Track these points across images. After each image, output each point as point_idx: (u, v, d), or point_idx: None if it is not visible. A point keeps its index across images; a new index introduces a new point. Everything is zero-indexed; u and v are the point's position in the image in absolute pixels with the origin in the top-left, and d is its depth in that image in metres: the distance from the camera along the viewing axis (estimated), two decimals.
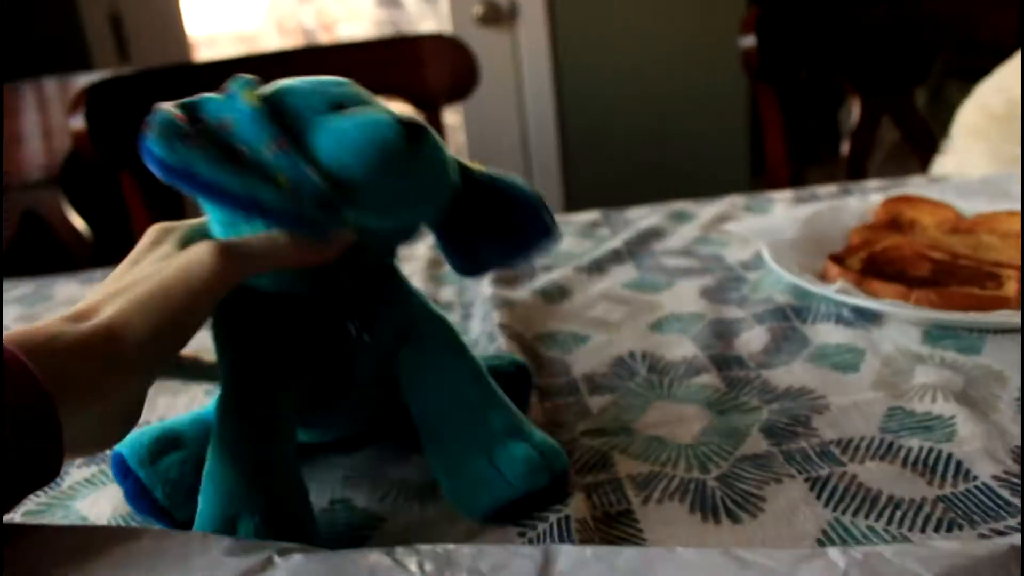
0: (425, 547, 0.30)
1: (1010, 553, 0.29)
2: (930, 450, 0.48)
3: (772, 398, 0.55)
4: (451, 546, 0.30)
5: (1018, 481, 0.45)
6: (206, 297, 0.37)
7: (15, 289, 0.94)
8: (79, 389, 0.33)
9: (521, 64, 2.40)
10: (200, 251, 0.38)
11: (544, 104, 2.41)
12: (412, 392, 0.47)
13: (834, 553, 0.28)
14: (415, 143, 0.39)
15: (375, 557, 0.29)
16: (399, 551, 0.30)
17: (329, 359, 0.45)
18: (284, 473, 0.42)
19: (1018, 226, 0.78)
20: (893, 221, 0.83)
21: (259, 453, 0.41)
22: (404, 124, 0.39)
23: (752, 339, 0.63)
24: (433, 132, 0.41)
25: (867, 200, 0.86)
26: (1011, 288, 0.65)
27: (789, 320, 0.66)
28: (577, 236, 0.89)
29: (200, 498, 0.41)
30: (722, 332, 0.65)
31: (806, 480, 0.46)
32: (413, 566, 0.29)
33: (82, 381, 0.34)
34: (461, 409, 0.46)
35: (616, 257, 0.82)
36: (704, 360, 0.60)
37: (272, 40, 3.99)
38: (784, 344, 0.62)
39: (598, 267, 0.79)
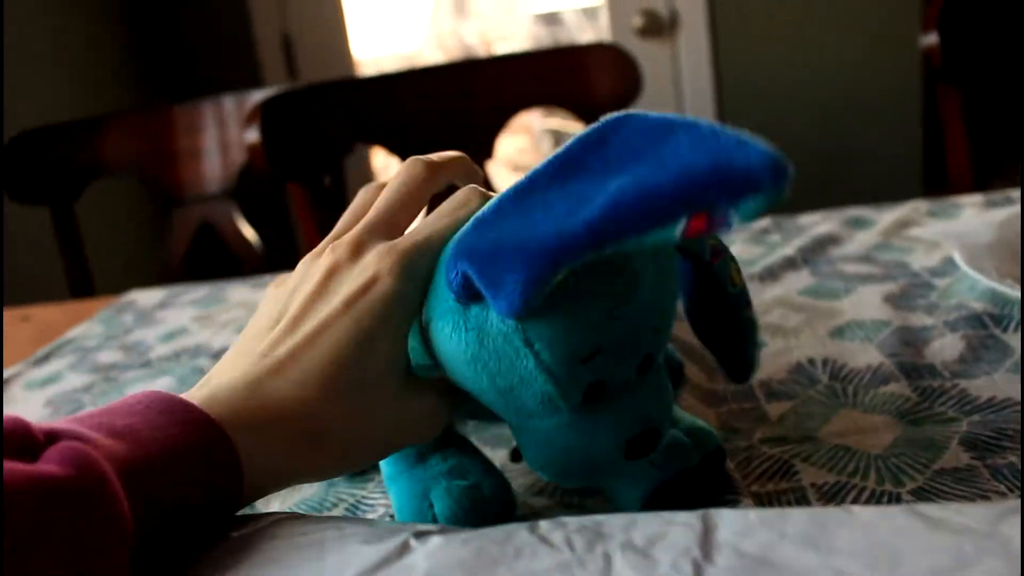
0: (572, 520, 0.28)
1: None
2: None
3: (972, 409, 0.51)
4: (600, 517, 0.28)
5: None
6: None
7: (191, 292, 0.99)
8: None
9: (681, 75, 2.36)
10: None
11: (706, 115, 2.36)
12: None
13: None
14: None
15: (520, 534, 0.28)
16: (543, 526, 0.28)
17: None
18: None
19: None
20: None
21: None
22: (641, 449, 0.37)
23: (945, 347, 0.59)
24: (667, 420, 0.39)
25: None
26: None
27: (987, 328, 0.61)
28: (748, 243, 0.86)
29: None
30: (910, 340, 0.60)
31: (1017, 496, 0.42)
32: (560, 542, 0.27)
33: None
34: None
35: (790, 264, 0.78)
36: (891, 368, 0.56)
37: (433, 59, 4.10)
38: (983, 353, 0.57)
39: (771, 274, 0.76)
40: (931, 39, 1.30)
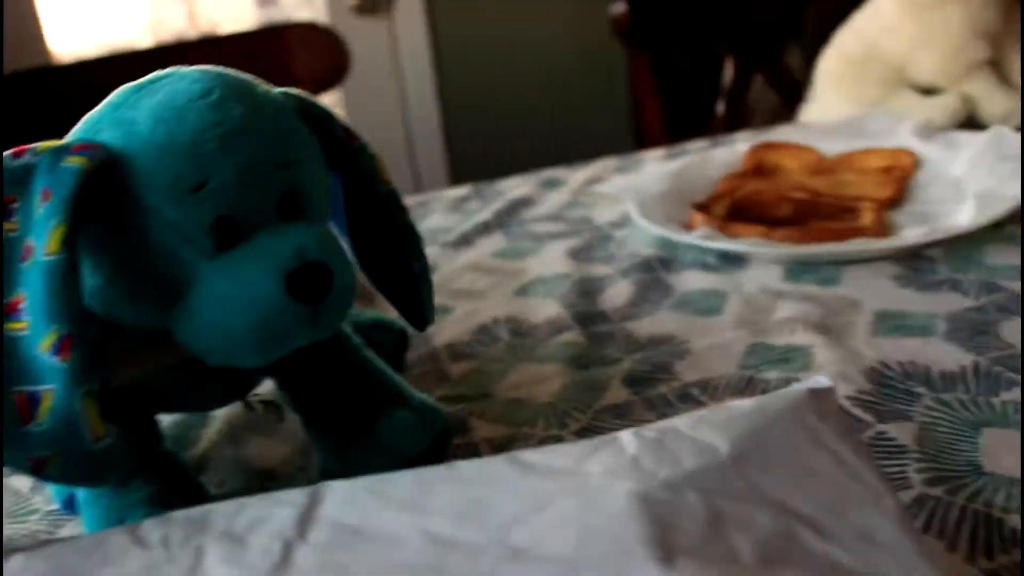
0: (181, 513, 0.27)
1: (805, 397, 0.28)
2: (787, 380, 0.48)
3: (635, 348, 0.54)
4: (213, 505, 0.27)
5: (870, 397, 0.45)
6: None
7: None
8: None
9: (400, 50, 2.37)
10: None
11: (425, 87, 2.38)
12: (290, 381, 0.44)
13: (625, 437, 0.26)
14: (316, 311, 0.33)
15: (114, 538, 0.26)
16: (146, 525, 0.27)
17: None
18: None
19: (874, 162, 0.79)
20: (759, 167, 0.83)
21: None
22: (306, 287, 0.32)
23: (617, 294, 0.62)
24: (341, 264, 0.34)
25: (734, 150, 0.86)
26: (867, 219, 0.66)
27: (654, 271, 0.65)
28: (446, 212, 0.87)
29: None
30: (587, 290, 0.63)
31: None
32: (156, 540, 0.26)
33: None
34: (342, 391, 0.43)
35: (484, 229, 0.80)
36: (567, 318, 0.59)
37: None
38: (649, 295, 0.61)
39: (465, 240, 0.78)
40: (619, 7, 1.37)
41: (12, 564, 0.26)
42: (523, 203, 0.86)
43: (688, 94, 2.29)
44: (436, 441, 0.43)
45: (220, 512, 0.27)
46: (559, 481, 0.25)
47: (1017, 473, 0.38)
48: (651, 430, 0.27)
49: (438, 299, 0.64)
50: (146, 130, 0.32)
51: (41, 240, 0.29)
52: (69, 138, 0.34)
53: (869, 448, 0.28)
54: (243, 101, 0.34)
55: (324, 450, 0.43)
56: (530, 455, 0.26)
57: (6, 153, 0.31)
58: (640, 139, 2.49)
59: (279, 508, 0.26)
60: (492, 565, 0.21)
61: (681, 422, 0.27)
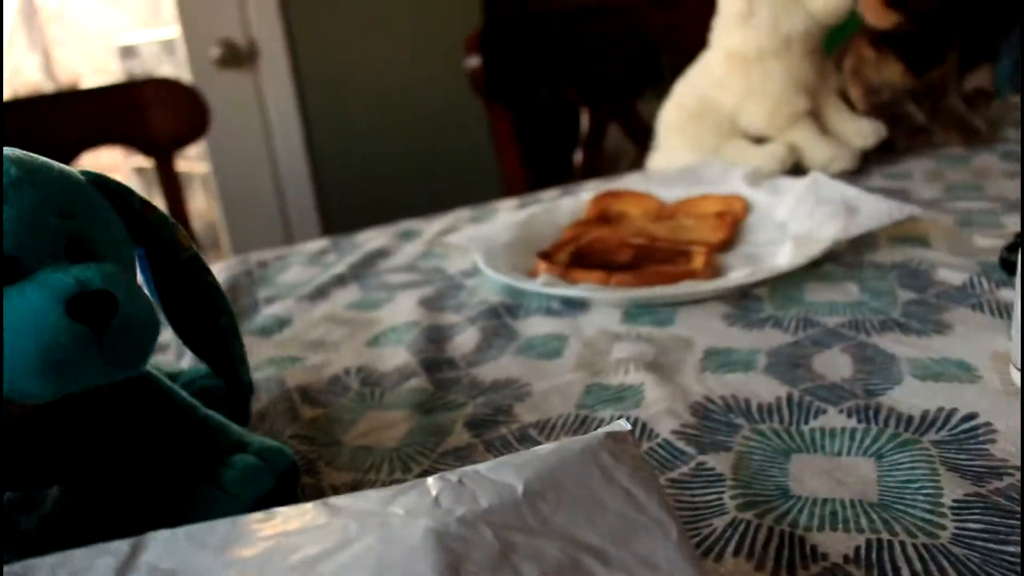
0: (8, 568, 0.28)
1: (602, 439, 0.31)
2: (620, 417, 0.51)
3: (478, 392, 0.56)
4: (36, 560, 0.28)
5: (693, 431, 0.48)
6: None
7: None
8: None
9: (266, 102, 2.36)
10: None
11: (293, 140, 2.38)
12: (122, 448, 0.44)
13: (431, 481, 0.28)
14: (98, 334, 0.34)
15: None
16: None
17: None
18: None
19: (709, 207, 0.84)
20: (603, 215, 0.87)
21: None
22: (87, 310, 0.34)
23: (465, 341, 0.65)
24: (128, 296, 0.36)
25: (579, 199, 0.90)
26: (698, 262, 0.70)
27: (501, 318, 0.68)
28: (303, 266, 0.88)
29: None
30: (435, 337, 0.65)
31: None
32: None
33: None
34: (178, 448, 0.44)
35: (340, 281, 0.81)
36: (415, 365, 0.61)
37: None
38: (495, 340, 0.64)
39: (320, 293, 0.79)
40: (474, 61, 1.42)
41: None
42: (379, 255, 0.88)
43: (549, 144, 2.36)
44: (281, 479, 0.44)
45: (44, 565, 0.27)
46: (362, 521, 0.26)
47: (820, 494, 0.42)
48: (455, 474, 0.29)
49: (291, 351, 0.66)
50: None
51: None
52: None
53: (659, 483, 0.30)
54: (21, 164, 0.38)
55: (172, 514, 0.43)
56: (341, 499, 0.28)
57: None
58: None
59: (101, 558, 0.27)
60: None
61: (484, 466, 0.29)
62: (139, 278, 0.44)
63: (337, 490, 0.47)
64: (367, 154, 2.42)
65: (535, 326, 0.66)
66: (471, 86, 1.43)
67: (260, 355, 0.66)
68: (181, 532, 0.27)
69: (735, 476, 0.44)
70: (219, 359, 0.46)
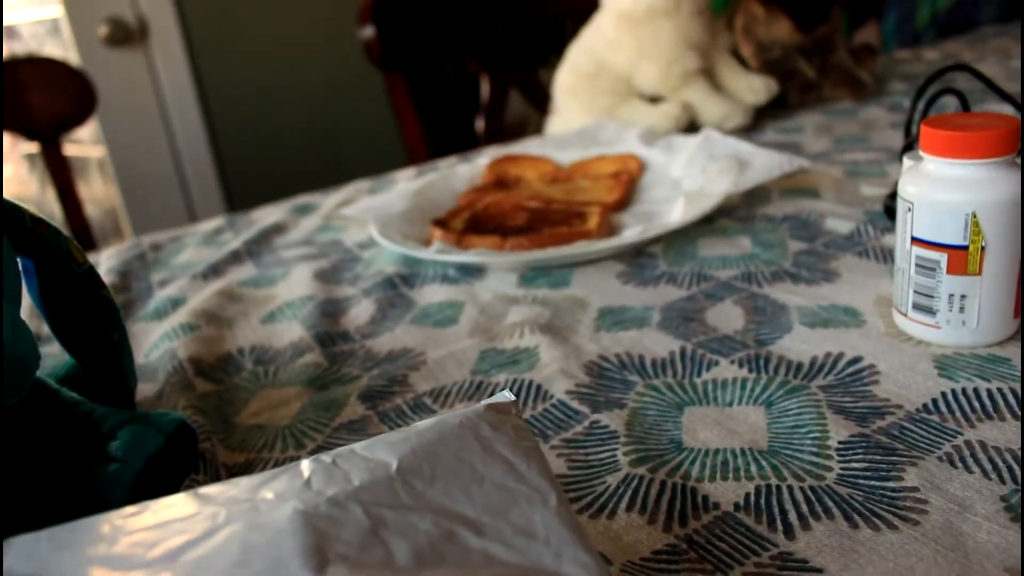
0: None
1: (482, 411, 0.31)
2: (514, 381, 0.51)
3: (373, 364, 0.55)
4: None
5: (588, 390, 0.48)
6: None
7: None
8: None
9: (160, 81, 2.28)
10: None
11: (191, 118, 2.31)
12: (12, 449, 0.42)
13: (305, 463, 0.28)
14: None
15: None
16: None
17: None
18: None
19: (605, 168, 0.84)
20: (500, 180, 0.86)
21: None
22: None
23: (360, 312, 0.63)
24: (12, 335, 0.36)
25: (476, 165, 0.89)
26: (592, 222, 0.70)
27: (396, 288, 0.67)
28: (198, 246, 0.85)
29: None
30: (330, 311, 0.64)
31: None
32: None
33: None
34: (67, 446, 0.42)
35: (235, 259, 0.79)
36: (309, 340, 0.60)
37: None
38: (390, 311, 0.63)
39: (215, 271, 0.76)
40: (368, 31, 1.39)
41: None
42: (275, 230, 0.86)
43: (450, 112, 2.34)
44: (172, 439, 0.42)
45: None
46: (230, 508, 0.25)
47: (712, 445, 0.42)
48: (329, 455, 0.28)
49: (184, 319, 0.63)
50: None
51: None
52: None
53: (540, 451, 0.30)
54: None
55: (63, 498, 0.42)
56: (211, 488, 0.27)
57: None
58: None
59: None
60: None
61: (359, 445, 0.29)
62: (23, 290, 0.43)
63: (231, 470, 0.46)
64: (268, 128, 2.37)
65: (431, 294, 0.65)
66: (366, 57, 1.41)
67: (154, 336, 0.64)
68: (44, 534, 0.26)
69: (628, 432, 0.44)
70: (107, 370, 0.46)
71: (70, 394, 0.44)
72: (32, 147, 2.31)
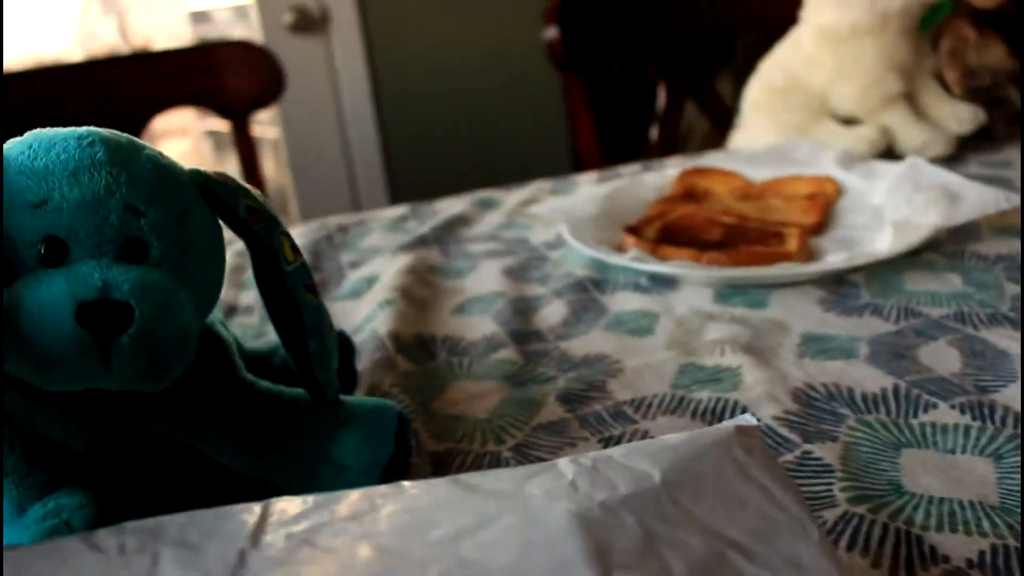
0: (133, 523, 0.28)
1: (732, 433, 0.30)
2: (718, 400, 0.49)
3: (569, 367, 0.55)
4: (165, 517, 0.27)
5: (796, 418, 0.47)
6: None
7: None
8: None
9: (336, 69, 2.36)
10: None
11: (363, 107, 2.38)
12: (217, 451, 0.42)
13: (564, 463, 0.27)
14: (104, 345, 0.32)
15: (70, 545, 0.27)
16: (100, 533, 0.27)
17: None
18: None
19: (800, 189, 0.82)
20: (689, 192, 0.85)
21: None
22: (97, 319, 0.32)
23: (551, 313, 0.63)
24: (156, 313, 0.34)
25: (664, 174, 0.88)
26: (792, 244, 0.68)
27: (588, 292, 0.66)
28: (385, 231, 0.87)
29: None
30: (522, 309, 0.64)
31: (599, 441, 0.47)
32: (111, 546, 0.26)
33: None
34: (278, 443, 0.42)
35: (422, 243, 0.81)
36: (503, 336, 0.60)
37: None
38: (583, 315, 0.63)
39: (404, 253, 0.78)
40: (552, 32, 1.39)
41: None
42: (459, 222, 0.87)
43: (623, 118, 2.33)
44: (397, 438, 0.42)
45: (173, 523, 0.27)
46: (500, 501, 0.25)
47: (936, 492, 0.40)
48: (587, 458, 0.28)
49: (382, 296, 0.65)
50: (16, 152, 0.36)
51: None
52: None
53: (794, 482, 0.29)
54: (115, 150, 0.36)
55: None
56: (471, 478, 0.27)
57: None
58: (577, 161, 2.53)
59: (230, 520, 0.26)
60: (441, 573, 0.22)
61: (615, 451, 0.28)
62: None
63: (432, 458, 0.46)
64: (436, 123, 2.41)
65: (623, 301, 0.64)
66: (548, 57, 1.41)
67: (356, 316, 0.65)
68: (310, 499, 0.26)
69: (844, 468, 0.42)
70: (307, 374, 0.42)
71: (264, 384, 0.44)
72: (218, 124, 2.42)
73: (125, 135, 0.38)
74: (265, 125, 2.48)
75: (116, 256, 0.35)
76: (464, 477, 0.27)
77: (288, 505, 0.27)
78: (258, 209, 0.41)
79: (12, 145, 0.37)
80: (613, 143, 1.52)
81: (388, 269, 0.73)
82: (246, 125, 1.39)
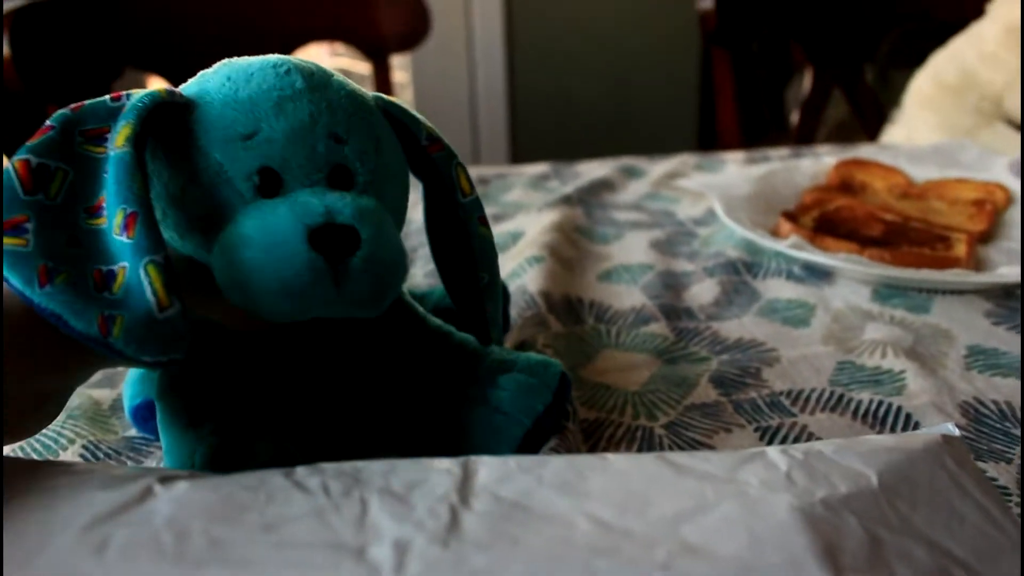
0: (330, 465, 0.27)
1: (940, 441, 0.28)
2: (880, 403, 0.48)
3: (722, 349, 0.54)
4: (360, 463, 0.27)
5: (966, 434, 0.45)
6: None
7: None
8: None
9: (473, 17, 2.35)
10: None
11: (495, 60, 2.37)
12: (382, 378, 0.43)
13: (774, 453, 0.26)
14: (335, 269, 0.33)
15: (274, 479, 0.26)
16: (300, 471, 0.27)
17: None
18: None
19: (966, 193, 0.78)
20: (845, 183, 0.82)
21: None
22: (328, 243, 0.32)
23: (702, 291, 0.62)
24: (376, 235, 0.34)
25: (820, 162, 0.85)
26: (961, 250, 0.65)
27: (740, 274, 0.65)
28: (527, 188, 0.87)
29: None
30: (672, 283, 0.63)
31: (756, 430, 0.45)
32: (315, 487, 0.26)
33: None
34: (442, 380, 0.42)
35: (567, 202, 0.80)
36: (653, 309, 0.59)
37: None
38: (735, 297, 0.61)
39: (550, 210, 0.77)
40: (706, 3, 1.36)
41: (178, 490, 0.26)
42: (603, 186, 0.86)
43: (756, 99, 2.27)
44: (556, 394, 0.41)
45: (373, 469, 0.27)
46: (716, 486, 0.24)
47: None
48: (798, 450, 0.27)
49: (530, 252, 0.64)
50: (216, 84, 0.36)
51: (112, 139, 0.33)
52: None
53: (1003, 499, 0.27)
54: (310, 78, 0.36)
55: (446, 444, 0.42)
56: (680, 457, 0.26)
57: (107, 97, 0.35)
58: (703, 138, 2.48)
59: (434, 474, 0.26)
60: (668, 556, 0.21)
61: (824, 446, 0.27)
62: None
63: (583, 426, 0.45)
64: (565, 87, 2.39)
65: (777, 288, 0.62)
66: (700, 28, 1.38)
67: (502, 270, 0.65)
68: (511, 462, 0.26)
69: (1022, 492, 0.40)
70: (472, 314, 0.42)
71: (436, 321, 0.44)
72: (349, 64, 2.45)
73: (311, 62, 0.38)
74: (396, 69, 2.49)
75: (326, 184, 0.35)
76: (671, 456, 0.26)
77: (488, 466, 0.26)
78: (438, 138, 0.40)
79: (205, 78, 0.37)
80: (750, 123, 1.48)
81: (533, 225, 0.73)
82: (388, 67, 1.39)
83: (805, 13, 1.44)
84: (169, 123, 0.35)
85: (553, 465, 0.26)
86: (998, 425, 0.46)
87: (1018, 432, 0.45)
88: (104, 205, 0.33)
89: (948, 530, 0.24)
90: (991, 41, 0.93)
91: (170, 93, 0.35)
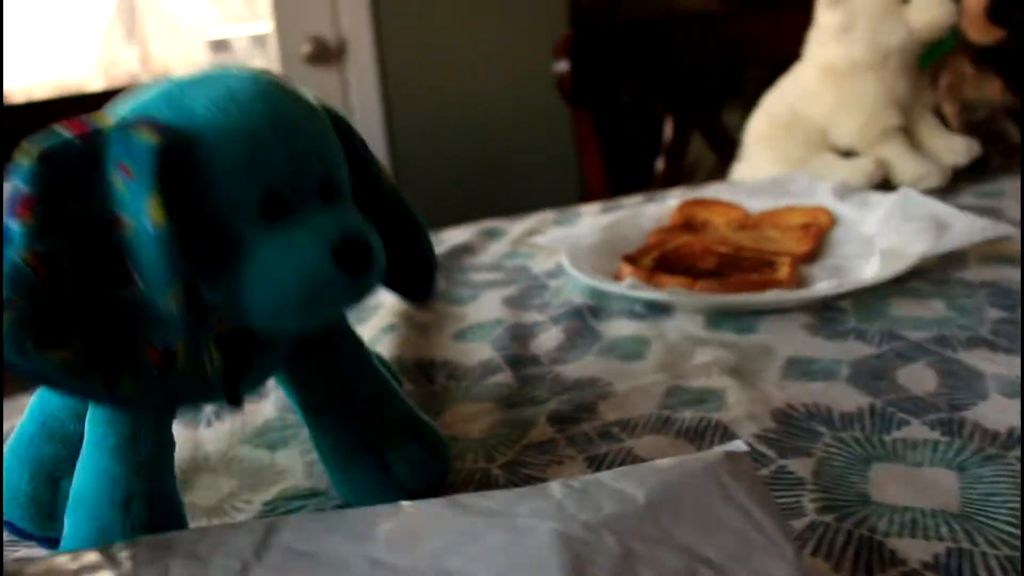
0: (148, 537, 0.30)
1: (720, 458, 0.32)
2: (701, 419, 0.52)
3: (561, 389, 0.58)
4: (174, 533, 0.30)
5: (774, 435, 0.49)
6: None
7: None
8: None
9: (351, 100, 2.41)
10: None
11: (375, 138, 2.42)
12: (300, 382, 0.46)
13: (554, 485, 0.30)
14: (357, 283, 0.36)
15: (88, 556, 0.29)
16: (116, 546, 0.29)
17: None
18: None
19: (795, 219, 0.84)
20: (688, 222, 0.88)
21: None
22: (352, 259, 0.35)
23: (548, 339, 0.66)
24: (377, 241, 0.37)
25: (665, 205, 0.91)
26: (783, 272, 0.71)
27: (584, 319, 0.69)
28: None
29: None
30: (520, 335, 0.67)
31: (586, 459, 0.49)
32: (125, 558, 0.29)
33: None
34: (354, 403, 0.45)
35: None
36: (500, 361, 0.63)
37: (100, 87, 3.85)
38: (578, 341, 0.65)
39: None
40: (562, 66, 1.43)
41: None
42: (464, 251, 0.90)
43: (631, 151, 2.36)
44: (442, 477, 0.46)
45: (184, 538, 0.29)
46: (489, 519, 0.28)
47: (900, 502, 0.42)
48: (578, 481, 0.30)
49: (386, 320, 0.68)
50: (206, 114, 0.35)
51: (141, 214, 0.33)
52: (119, 115, 0.37)
53: (777, 505, 0.31)
54: (293, 99, 0.38)
55: (326, 459, 0.46)
56: (467, 498, 0.29)
57: (63, 130, 0.34)
58: (585, 192, 2.56)
59: (238, 535, 0.29)
60: None
61: (606, 475, 0.31)
62: None
63: None
64: (448, 155, 2.45)
65: (618, 328, 0.67)
66: (558, 90, 1.45)
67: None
68: (313, 517, 0.29)
69: (816, 481, 0.45)
70: (409, 282, 0.47)
71: (382, 371, 0.47)
72: None
73: (268, 75, 0.39)
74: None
75: (321, 200, 0.37)
76: (461, 497, 0.30)
77: (292, 522, 0.29)
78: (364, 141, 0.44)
79: (183, 102, 0.36)
80: (621, 174, 1.55)
81: (390, 299, 0.76)
82: None
83: (655, 66, 1.52)
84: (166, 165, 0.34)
85: (351, 517, 0.29)
86: (804, 425, 0.50)
87: (821, 428, 0.50)
88: (138, 276, 0.34)
89: (706, 536, 0.28)
90: (810, 81, 1.01)
91: (164, 135, 0.34)
